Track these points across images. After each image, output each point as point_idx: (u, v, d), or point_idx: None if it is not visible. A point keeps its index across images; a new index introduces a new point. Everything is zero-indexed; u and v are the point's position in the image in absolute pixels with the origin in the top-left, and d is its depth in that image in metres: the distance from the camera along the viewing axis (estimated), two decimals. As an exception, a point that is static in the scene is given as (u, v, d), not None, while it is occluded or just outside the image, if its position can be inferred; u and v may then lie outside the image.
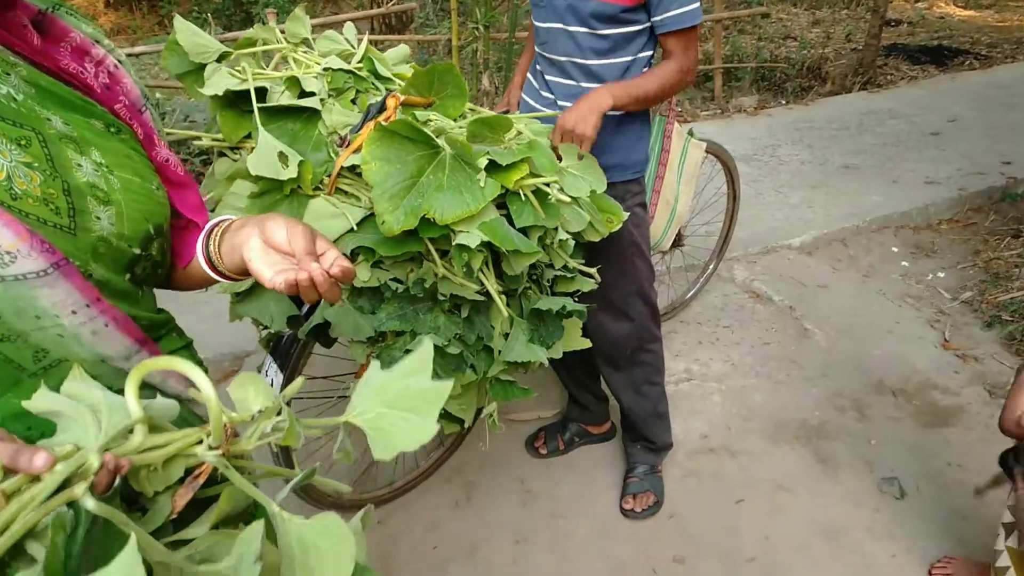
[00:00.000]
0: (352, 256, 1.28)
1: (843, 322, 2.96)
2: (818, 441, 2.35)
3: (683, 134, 2.30)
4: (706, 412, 2.49)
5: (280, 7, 7.98)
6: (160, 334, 0.86)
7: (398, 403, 0.55)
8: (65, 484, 0.46)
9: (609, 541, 2.03)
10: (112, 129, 0.78)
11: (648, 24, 1.65)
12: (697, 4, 1.62)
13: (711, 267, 3.11)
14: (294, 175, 1.26)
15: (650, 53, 1.71)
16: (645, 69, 1.72)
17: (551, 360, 1.46)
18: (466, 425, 1.51)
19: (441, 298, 1.29)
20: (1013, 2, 10.70)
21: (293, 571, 0.50)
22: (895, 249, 3.59)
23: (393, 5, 7.11)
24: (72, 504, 0.45)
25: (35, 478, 0.45)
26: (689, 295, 3.07)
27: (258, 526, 0.51)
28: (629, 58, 1.68)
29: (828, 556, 1.96)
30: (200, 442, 0.54)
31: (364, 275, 1.27)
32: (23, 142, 0.66)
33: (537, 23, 1.75)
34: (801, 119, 5.42)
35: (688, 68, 1.67)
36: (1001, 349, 2.78)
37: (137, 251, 0.77)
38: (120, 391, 0.53)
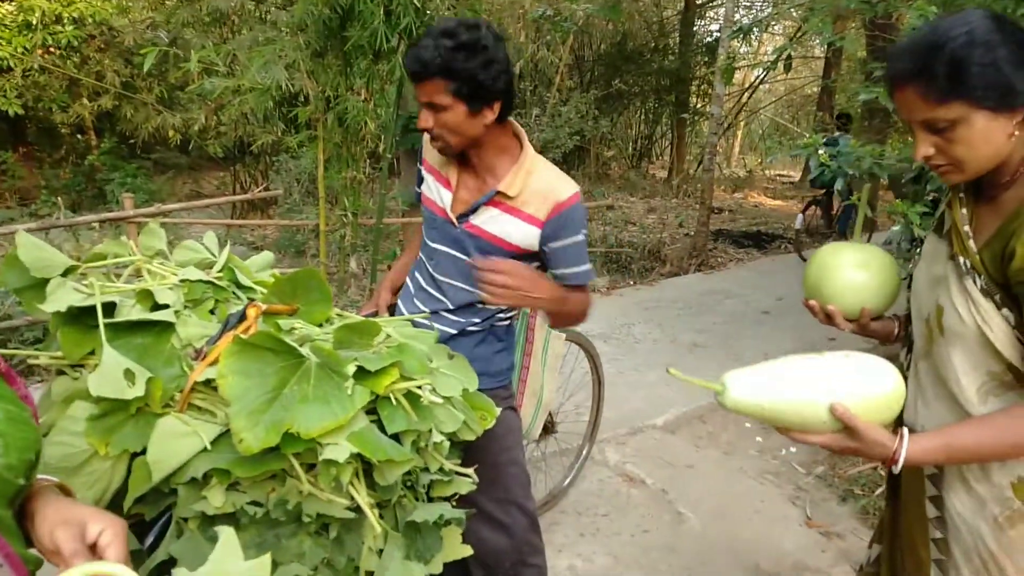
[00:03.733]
0: (205, 479, 1.17)
1: (713, 504, 3.00)
2: (708, 634, 2.28)
3: (544, 325, 2.39)
4: (594, 613, 2.37)
5: (136, 188, 7.86)
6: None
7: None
8: None
9: None
10: None
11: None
12: (589, 266, 1.75)
13: (584, 451, 3.12)
14: (140, 393, 1.16)
15: None
16: None
17: None
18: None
19: (307, 519, 1.18)
20: (810, 194, 12.50)
21: None
22: (748, 425, 3.78)
23: (259, 190, 7.21)
24: None
25: None
26: (566, 482, 3.03)
27: None
28: None
29: None
30: None
31: (217, 500, 1.15)
32: None
33: (427, 241, 1.81)
34: (649, 299, 5.84)
35: (584, 311, 1.79)
36: (858, 524, 2.90)
37: (22, 482, 0.75)
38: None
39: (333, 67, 3.85)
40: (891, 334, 1.45)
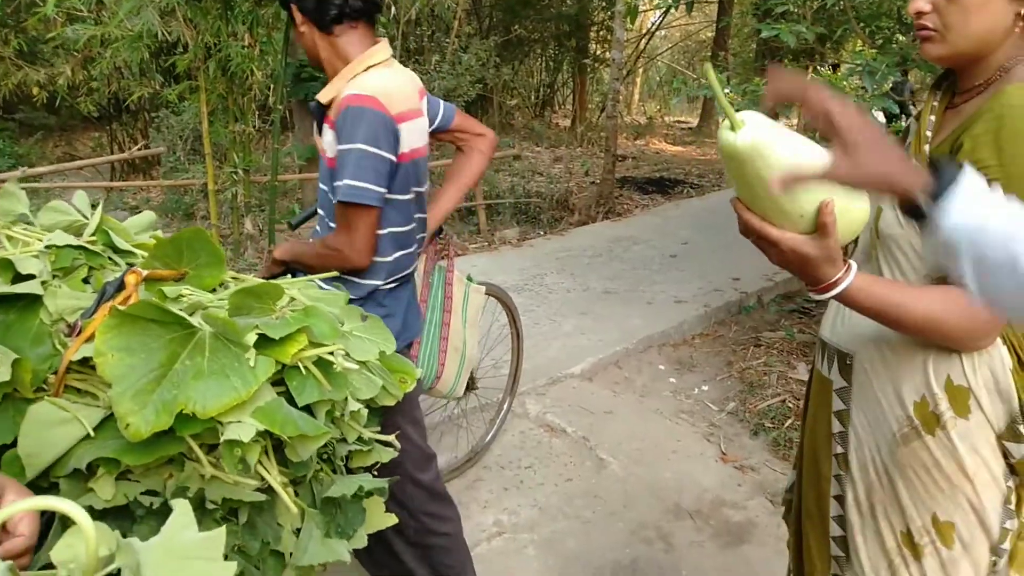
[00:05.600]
0: (91, 469, 1.03)
1: (633, 448, 3.05)
2: (635, 577, 2.32)
3: (463, 280, 2.30)
4: (523, 569, 2.35)
5: (1, 152, 7.15)
6: None
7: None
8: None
9: None
10: None
11: None
12: (366, 184, 1.54)
13: (505, 405, 3.09)
14: (6, 378, 1.01)
15: None
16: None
17: None
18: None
19: (211, 506, 1.07)
20: (708, 139, 12.84)
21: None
22: (662, 367, 3.85)
23: (138, 149, 6.72)
24: None
25: None
26: (488, 437, 3.00)
27: None
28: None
29: None
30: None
31: (106, 493, 1.01)
32: None
33: None
34: (559, 248, 5.84)
35: (338, 247, 1.60)
36: (771, 456, 3.01)
37: None
38: None
39: (212, 11, 3.55)
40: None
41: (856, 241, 1.35)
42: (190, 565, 0.68)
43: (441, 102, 1.89)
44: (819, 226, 0.99)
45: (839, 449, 1.33)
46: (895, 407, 1.22)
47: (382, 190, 1.59)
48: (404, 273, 1.79)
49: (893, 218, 1.19)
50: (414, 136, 1.67)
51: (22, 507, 0.59)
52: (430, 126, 1.83)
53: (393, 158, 1.60)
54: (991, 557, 1.19)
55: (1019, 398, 1.13)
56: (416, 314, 1.89)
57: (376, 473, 1.33)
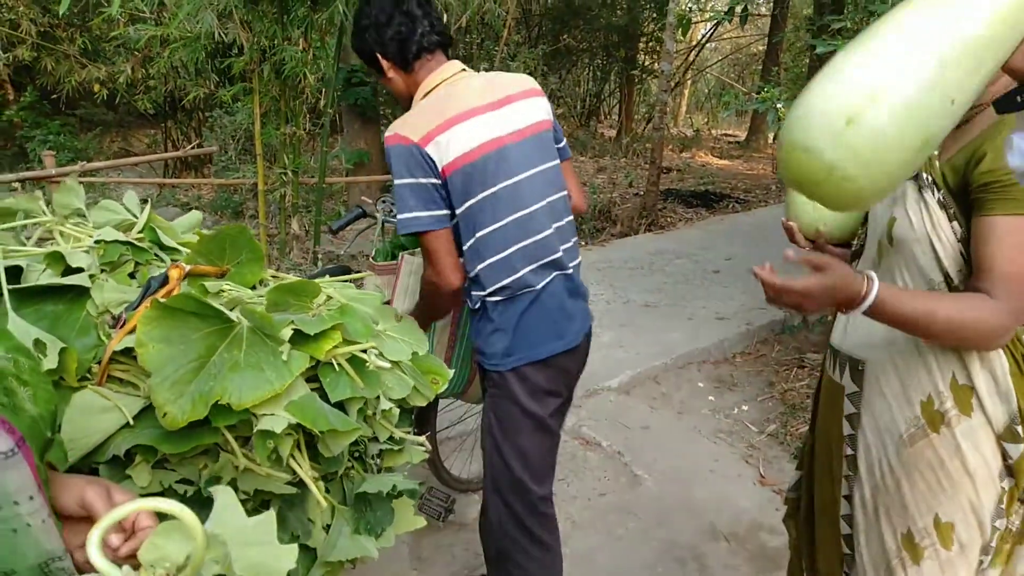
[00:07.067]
0: (129, 457, 1.05)
1: (669, 465, 3.00)
2: (666, 595, 2.27)
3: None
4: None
5: (60, 145, 7.40)
6: None
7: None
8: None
9: None
10: None
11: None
12: (411, 213, 1.61)
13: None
14: (53, 366, 1.04)
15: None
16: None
17: None
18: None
19: (244, 496, 1.08)
20: (756, 154, 12.65)
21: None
22: (701, 384, 3.79)
23: (191, 148, 6.90)
24: None
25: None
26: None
27: None
28: None
29: None
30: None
31: (143, 480, 1.04)
32: None
33: None
34: (600, 260, 5.79)
35: (426, 276, 1.71)
36: (810, 478, 2.93)
37: (49, 434, 0.74)
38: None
39: (268, 15, 3.63)
40: (846, 261, 1.49)
41: (860, 253, 1.44)
42: (253, 551, 0.69)
43: (563, 138, 1.85)
44: (814, 267, 1.14)
45: (849, 451, 1.41)
46: (904, 408, 1.29)
47: (435, 212, 1.63)
48: (508, 282, 1.68)
49: (908, 224, 1.25)
50: (460, 141, 1.62)
51: (134, 507, 0.64)
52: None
53: (433, 180, 1.62)
54: (981, 556, 1.27)
55: (1018, 400, 1.20)
56: (547, 334, 1.74)
57: (407, 474, 1.33)
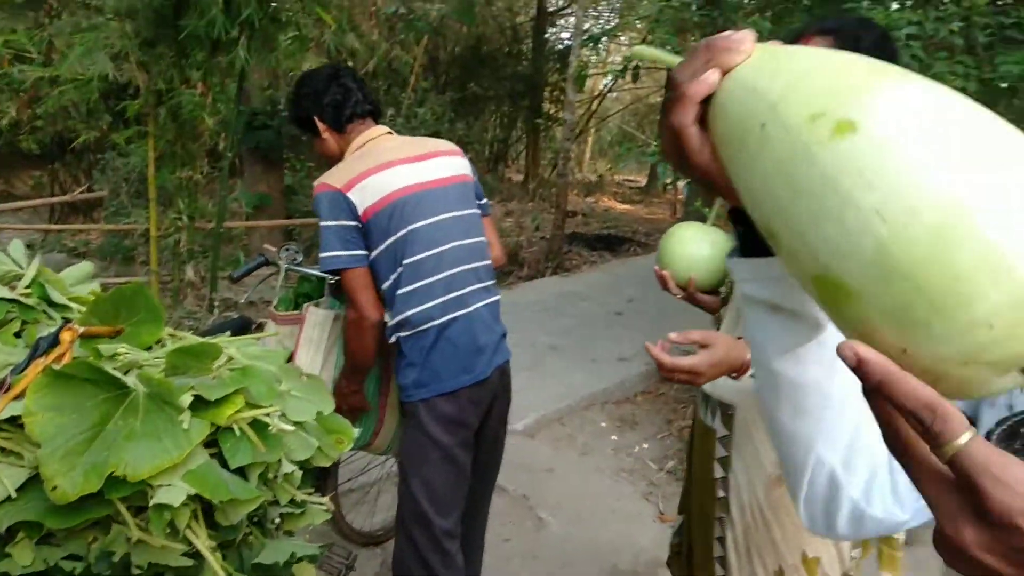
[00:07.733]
0: (10, 533, 1.00)
1: (572, 507, 3.05)
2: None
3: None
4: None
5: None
6: None
7: None
8: None
9: None
10: None
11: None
12: (332, 252, 1.80)
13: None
14: (-76, 438, 0.98)
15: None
16: None
17: None
18: None
19: (137, 571, 1.04)
20: (655, 199, 13.21)
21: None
22: (604, 424, 3.89)
23: (80, 192, 6.57)
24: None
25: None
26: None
27: None
28: None
29: None
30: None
31: (25, 558, 0.99)
32: None
33: None
34: (508, 303, 5.80)
35: (348, 316, 1.87)
36: (706, 514, 3.05)
37: None
38: None
39: (166, 58, 3.56)
40: (716, 307, 1.62)
41: (727, 300, 1.56)
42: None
43: (484, 197, 2.10)
44: (700, 345, 1.24)
45: (721, 493, 1.48)
46: (771, 450, 1.35)
47: (354, 252, 1.81)
48: (414, 314, 1.83)
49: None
50: (378, 187, 1.81)
51: None
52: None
53: (354, 223, 1.80)
54: None
55: None
56: (455, 368, 1.88)
57: (308, 537, 1.31)
